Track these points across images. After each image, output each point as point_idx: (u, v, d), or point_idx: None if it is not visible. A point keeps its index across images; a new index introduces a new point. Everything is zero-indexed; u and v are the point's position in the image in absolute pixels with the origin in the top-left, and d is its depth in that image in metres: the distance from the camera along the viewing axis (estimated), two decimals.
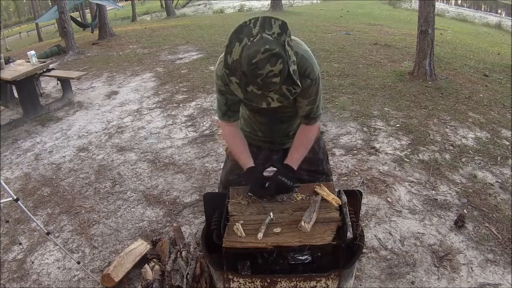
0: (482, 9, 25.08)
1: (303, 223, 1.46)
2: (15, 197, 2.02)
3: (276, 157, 1.95)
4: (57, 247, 2.50)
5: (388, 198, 2.87)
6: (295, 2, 23.92)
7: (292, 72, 1.37)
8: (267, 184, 1.64)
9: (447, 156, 3.43)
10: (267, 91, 1.38)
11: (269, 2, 16.94)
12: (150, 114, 4.74)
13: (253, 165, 1.69)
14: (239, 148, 1.74)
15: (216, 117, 4.35)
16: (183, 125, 4.36)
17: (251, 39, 1.34)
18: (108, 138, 4.18)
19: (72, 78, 5.44)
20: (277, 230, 1.49)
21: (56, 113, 5.06)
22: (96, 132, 4.35)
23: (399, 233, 2.53)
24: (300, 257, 1.73)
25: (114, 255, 2.45)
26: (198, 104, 4.92)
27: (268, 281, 1.50)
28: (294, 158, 1.70)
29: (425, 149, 3.55)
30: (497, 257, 2.30)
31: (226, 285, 1.53)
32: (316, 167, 1.93)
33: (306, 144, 1.72)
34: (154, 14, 22.88)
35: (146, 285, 2.01)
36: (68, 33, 8.84)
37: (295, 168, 1.69)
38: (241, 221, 1.52)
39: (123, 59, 7.82)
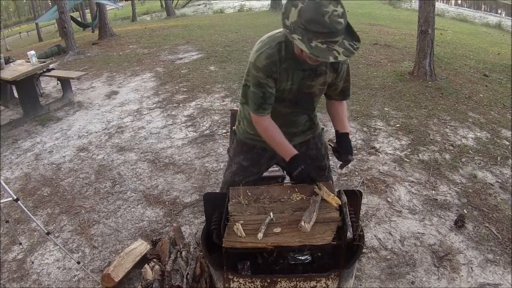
0: (482, 9, 25.06)
1: (303, 223, 1.46)
2: (15, 197, 2.02)
3: (281, 157, 1.95)
4: (57, 247, 2.50)
5: (388, 198, 2.87)
6: None
7: (350, 26, 1.41)
8: (345, 159, 1.73)
9: (447, 156, 3.43)
10: (332, 41, 1.36)
11: (269, 2, 16.94)
12: (150, 114, 4.74)
13: (297, 152, 1.69)
14: (279, 138, 1.71)
15: (216, 117, 4.38)
16: (183, 125, 4.36)
17: (305, 2, 1.36)
18: (108, 138, 4.18)
19: (72, 78, 5.44)
20: (277, 230, 1.49)
21: (56, 113, 5.06)
22: (96, 132, 4.35)
23: (399, 233, 2.53)
24: (300, 257, 1.74)
25: (114, 255, 2.45)
26: (198, 104, 4.92)
27: (268, 281, 1.51)
28: (347, 125, 1.81)
29: (425, 149, 3.55)
30: (497, 257, 2.30)
31: (226, 285, 1.53)
32: (319, 163, 1.97)
33: (346, 112, 1.86)
34: (154, 14, 22.87)
35: (146, 285, 2.01)
36: (68, 33, 8.84)
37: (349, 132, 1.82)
38: (241, 221, 1.52)
39: (123, 59, 7.81)
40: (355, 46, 1.41)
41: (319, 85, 1.67)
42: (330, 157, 2.03)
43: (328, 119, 4.38)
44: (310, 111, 1.85)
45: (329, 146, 1.84)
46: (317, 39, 1.35)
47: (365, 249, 2.35)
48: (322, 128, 2.02)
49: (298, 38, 1.37)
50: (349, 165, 3.26)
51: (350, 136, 1.81)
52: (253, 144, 1.88)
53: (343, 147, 1.76)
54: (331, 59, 1.36)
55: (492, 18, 17.84)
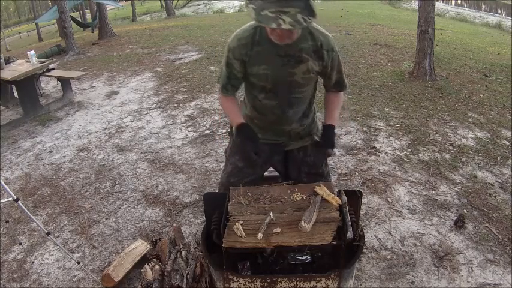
0: (482, 9, 25.06)
1: (303, 223, 1.46)
2: (15, 197, 2.02)
3: (277, 158, 1.95)
4: (57, 247, 2.50)
5: (388, 198, 2.87)
6: None
7: (310, 2, 1.43)
8: (336, 139, 1.79)
9: (447, 156, 3.43)
10: (281, 10, 1.38)
11: None
12: (150, 114, 4.74)
13: (245, 122, 1.75)
14: (235, 111, 1.80)
15: (216, 117, 4.38)
16: (183, 125, 4.36)
17: None
18: (108, 138, 4.18)
19: (72, 78, 5.44)
20: (277, 230, 1.49)
21: (56, 113, 5.06)
22: (96, 132, 4.35)
23: (399, 233, 2.53)
24: (300, 257, 1.74)
25: (114, 255, 2.45)
26: (198, 104, 4.92)
27: (268, 281, 1.50)
28: (335, 117, 1.85)
29: (425, 149, 3.55)
30: (497, 257, 2.30)
31: (226, 285, 1.53)
32: (316, 170, 1.94)
33: (339, 104, 1.89)
34: (154, 14, 22.89)
35: (146, 285, 2.01)
36: (68, 33, 8.84)
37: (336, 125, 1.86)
38: (241, 221, 1.52)
39: (123, 59, 7.81)
40: (307, 20, 1.42)
41: (301, 73, 1.67)
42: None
43: None
44: (299, 106, 1.82)
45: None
46: (269, 9, 1.39)
47: (365, 249, 2.35)
48: None
49: (252, 8, 1.43)
50: (350, 165, 3.29)
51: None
52: None
53: (324, 139, 1.81)
54: (273, 25, 1.39)
55: (492, 18, 17.85)
